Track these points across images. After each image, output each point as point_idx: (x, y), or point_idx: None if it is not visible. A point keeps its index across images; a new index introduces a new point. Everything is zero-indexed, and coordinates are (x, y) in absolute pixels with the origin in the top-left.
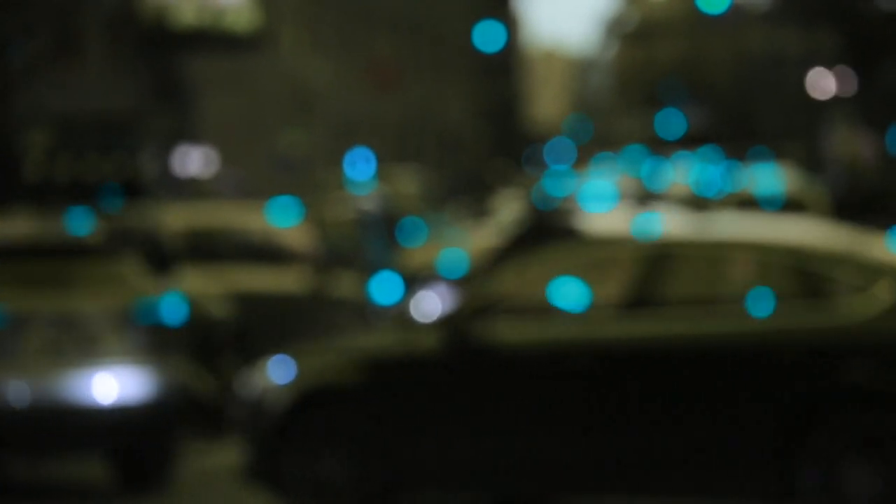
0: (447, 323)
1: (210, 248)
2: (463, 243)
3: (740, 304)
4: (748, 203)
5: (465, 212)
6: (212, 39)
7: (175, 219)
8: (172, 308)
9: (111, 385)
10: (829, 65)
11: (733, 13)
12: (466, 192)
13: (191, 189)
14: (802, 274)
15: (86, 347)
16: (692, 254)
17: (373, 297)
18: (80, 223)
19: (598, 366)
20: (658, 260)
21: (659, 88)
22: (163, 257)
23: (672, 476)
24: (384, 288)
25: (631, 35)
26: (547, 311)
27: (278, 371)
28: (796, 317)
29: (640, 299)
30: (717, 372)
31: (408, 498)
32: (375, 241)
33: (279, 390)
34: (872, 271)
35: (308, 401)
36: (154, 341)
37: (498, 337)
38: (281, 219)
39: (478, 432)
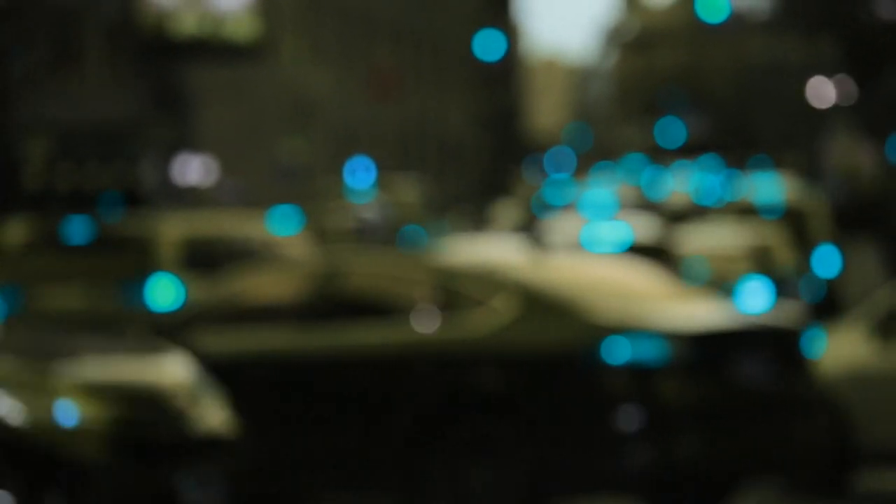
0: (159, 332)
1: (210, 258)
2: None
3: (391, 319)
4: (748, 212)
5: (465, 220)
6: (212, 49)
7: (175, 227)
8: None
9: None
10: (828, 74)
11: (733, 22)
12: (469, 200)
13: (191, 198)
14: (444, 291)
15: None
16: (357, 271)
17: None
18: (79, 231)
19: (280, 374)
20: (332, 278)
21: (659, 97)
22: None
23: (337, 474)
24: None
25: (631, 44)
26: (246, 321)
27: None
28: (434, 330)
29: (317, 313)
30: (366, 380)
31: None
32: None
33: None
34: (500, 288)
35: None
36: None
37: (203, 346)
38: (281, 227)
39: None
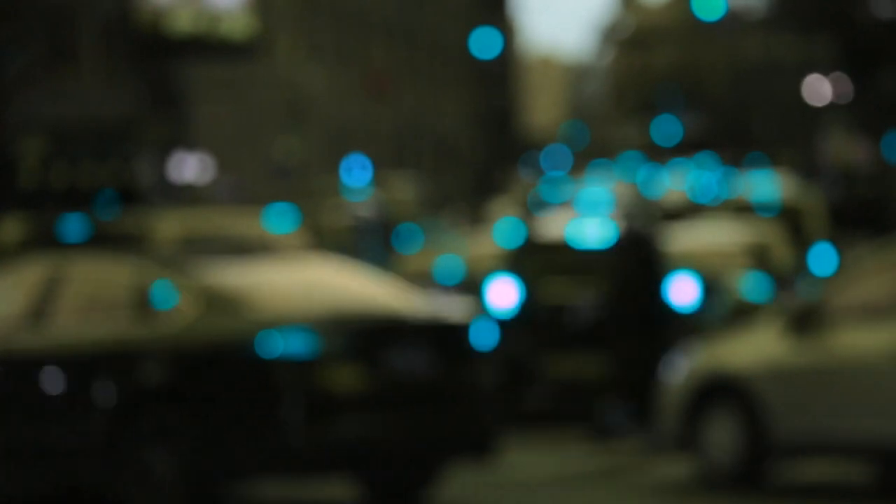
0: None
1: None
2: (459, 249)
3: (93, 320)
4: (744, 209)
5: (461, 217)
6: (208, 46)
7: (171, 225)
8: None
9: None
10: (824, 71)
11: (729, 20)
12: (465, 197)
13: (187, 196)
14: (138, 291)
15: None
16: (71, 276)
17: None
18: (75, 229)
19: None
20: (50, 282)
21: (655, 95)
22: None
23: (42, 464)
24: None
25: (627, 41)
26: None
27: None
28: (127, 328)
29: (35, 314)
30: (68, 377)
31: None
32: (372, 247)
33: None
34: (186, 289)
35: None
36: None
37: None
38: (277, 225)
39: None
